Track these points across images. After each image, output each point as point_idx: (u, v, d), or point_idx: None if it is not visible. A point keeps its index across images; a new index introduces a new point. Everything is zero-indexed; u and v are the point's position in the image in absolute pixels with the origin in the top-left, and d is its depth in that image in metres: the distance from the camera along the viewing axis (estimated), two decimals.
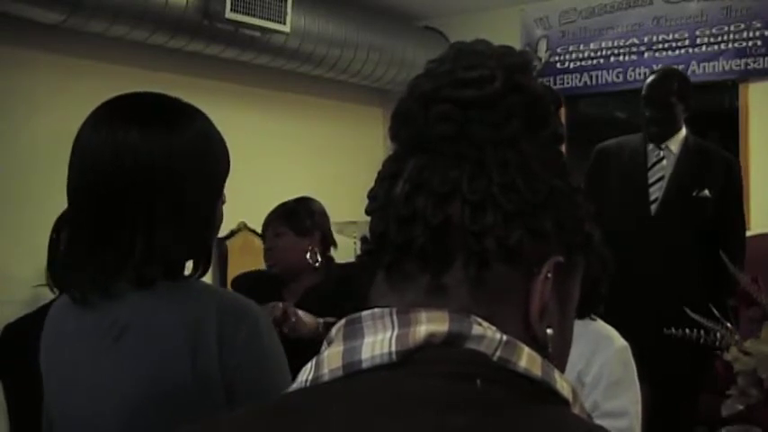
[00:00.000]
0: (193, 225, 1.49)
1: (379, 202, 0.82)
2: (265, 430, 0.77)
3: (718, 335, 2.15)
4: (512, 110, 0.80)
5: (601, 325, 2.33)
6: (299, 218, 3.23)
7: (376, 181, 0.84)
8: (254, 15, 4.69)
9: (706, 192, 3.83)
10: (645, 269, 3.68)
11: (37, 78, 4.50)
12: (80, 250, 1.48)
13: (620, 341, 2.31)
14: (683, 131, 3.93)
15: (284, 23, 4.84)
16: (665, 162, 3.90)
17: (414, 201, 0.78)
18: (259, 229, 5.11)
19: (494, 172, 0.78)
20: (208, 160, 1.54)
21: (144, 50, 4.77)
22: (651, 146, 3.92)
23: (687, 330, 2.17)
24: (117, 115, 1.51)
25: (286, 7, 4.83)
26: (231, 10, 4.57)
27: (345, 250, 3.59)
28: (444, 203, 0.77)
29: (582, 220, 0.83)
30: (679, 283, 3.75)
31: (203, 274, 1.55)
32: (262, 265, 3.23)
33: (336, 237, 3.61)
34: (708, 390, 3.79)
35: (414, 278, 0.79)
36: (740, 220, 4.00)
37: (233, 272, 4.50)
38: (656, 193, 3.90)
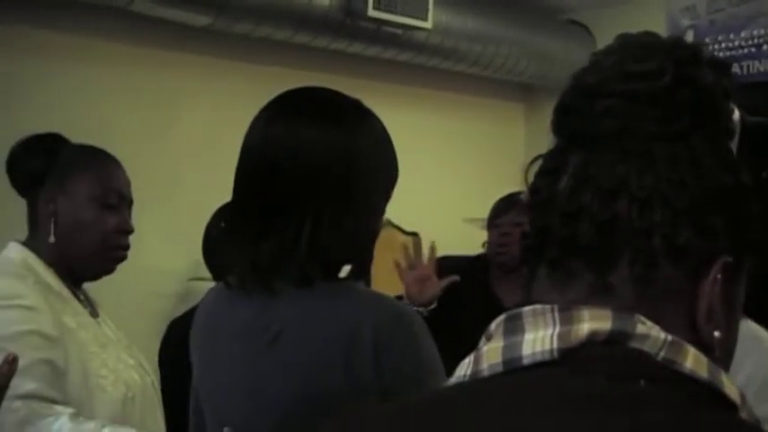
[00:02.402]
0: (359, 228, 1.48)
1: (541, 196, 0.81)
2: (417, 421, 0.77)
3: None
4: (682, 104, 0.77)
5: (750, 324, 2.24)
6: None
7: (536, 175, 0.83)
8: (396, 13, 4.71)
9: None
10: None
11: (185, 79, 4.63)
12: (243, 238, 1.49)
13: None
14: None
15: (426, 20, 4.85)
16: None
17: (579, 196, 0.77)
18: (402, 225, 5.17)
19: (662, 168, 0.75)
20: (385, 165, 1.53)
21: (287, 50, 4.84)
22: None
23: None
24: (297, 111, 1.51)
25: (428, 4, 4.83)
26: (373, 8, 4.60)
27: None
28: (611, 199, 0.76)
29: (753, 219, 0.80)
30: None
31: (361, 277, 1.54)
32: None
33: (474, 233, 3.61)
34: None
35: (578, 275, 0.78)
36: None
37: (377, 269, 4.53)
38: None
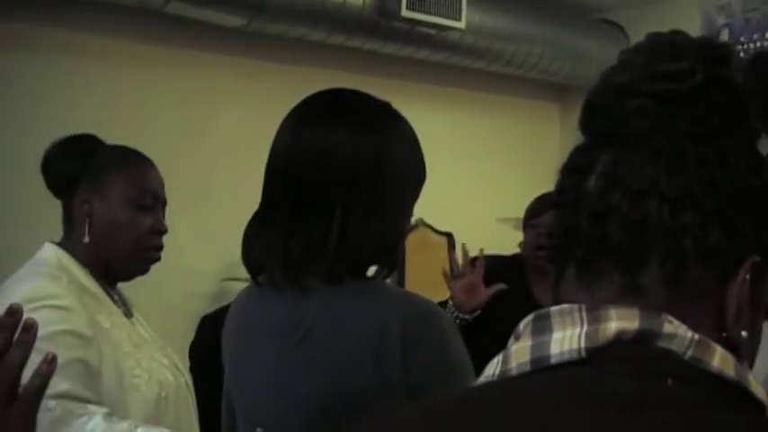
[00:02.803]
0: (386, 229, 1.49)
1: (568, 195, 0.81)
2: (445, 420, 0.78)
3: None
4: (712, 105, 0.77)
5: None
6: None
7: (562, 173, 0.83)
8: (429, 13, 4.71)
9: None
10: None
11: (220, 80, 4.65)
12: (272, 235, 1.50)
13: None
14: None
15: (459, 20, 4.84)
16: None
17: (608, 196, 0.77)
18: (436, 226, 5.17)
19: (693, 169, 0.75)
20: (412, 167, 1.54)
21: (321, 50, 4.86)
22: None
23: None
24: (325, 114, 1.52)
25: (461, 3, 4.82)
26: (407, 8, 4.60)
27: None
28: (642, 200, 0.75)
29: None
30: None
31: (388, 276, 1.55)
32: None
33: (507, 233, 3.60)
34: None
35: (606, 276, 0.77)
36: None
37: (411, 268, 4.53)
38: None
